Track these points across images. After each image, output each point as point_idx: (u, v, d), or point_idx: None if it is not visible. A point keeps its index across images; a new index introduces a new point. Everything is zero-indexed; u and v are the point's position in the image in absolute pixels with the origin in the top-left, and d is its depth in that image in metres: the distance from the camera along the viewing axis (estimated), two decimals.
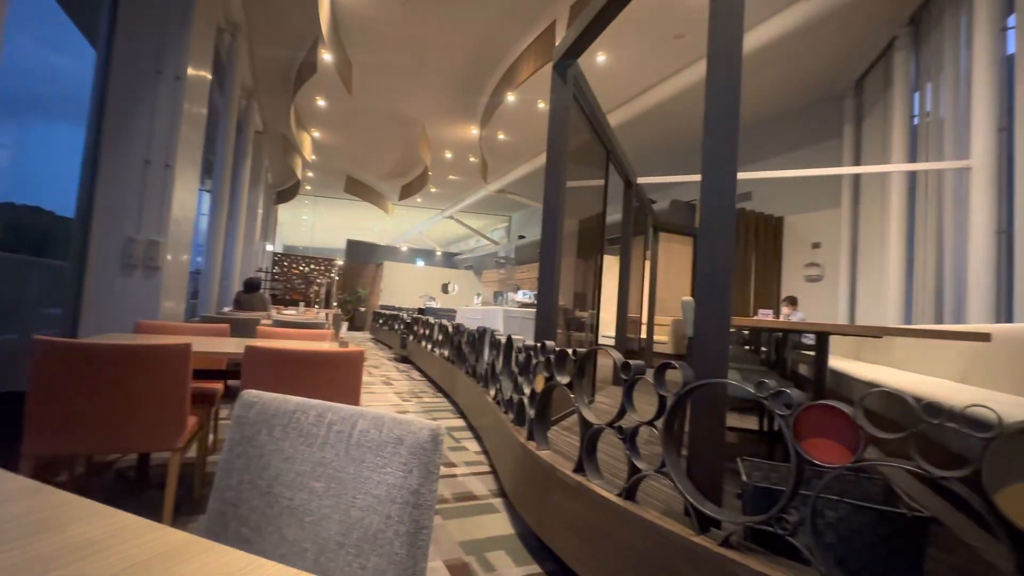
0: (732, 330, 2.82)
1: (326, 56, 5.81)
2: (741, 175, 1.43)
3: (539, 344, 2.11)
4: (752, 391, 1.12)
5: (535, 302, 2.59)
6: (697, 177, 1.45)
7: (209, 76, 3.67)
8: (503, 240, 16.98)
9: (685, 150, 8.79)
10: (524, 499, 2.02)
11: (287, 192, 12.99)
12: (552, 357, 1.92)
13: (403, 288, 15.75)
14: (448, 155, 10.37)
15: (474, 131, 8.83)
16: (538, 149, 9.41)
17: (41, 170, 3.43)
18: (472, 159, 10.42)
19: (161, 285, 3.06)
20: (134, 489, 2.18)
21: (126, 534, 0.51)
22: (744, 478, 1.28)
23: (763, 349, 3.51)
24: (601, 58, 6.17)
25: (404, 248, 21.90)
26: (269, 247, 14.96)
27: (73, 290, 2.86)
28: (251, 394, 0.85)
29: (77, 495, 0.58)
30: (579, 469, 1.63)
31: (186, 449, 1.78)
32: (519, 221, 16.22)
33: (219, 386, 2.39)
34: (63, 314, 2.87)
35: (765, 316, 4.55)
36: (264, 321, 3.92)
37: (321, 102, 7.95)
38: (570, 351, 1.85)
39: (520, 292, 9.89)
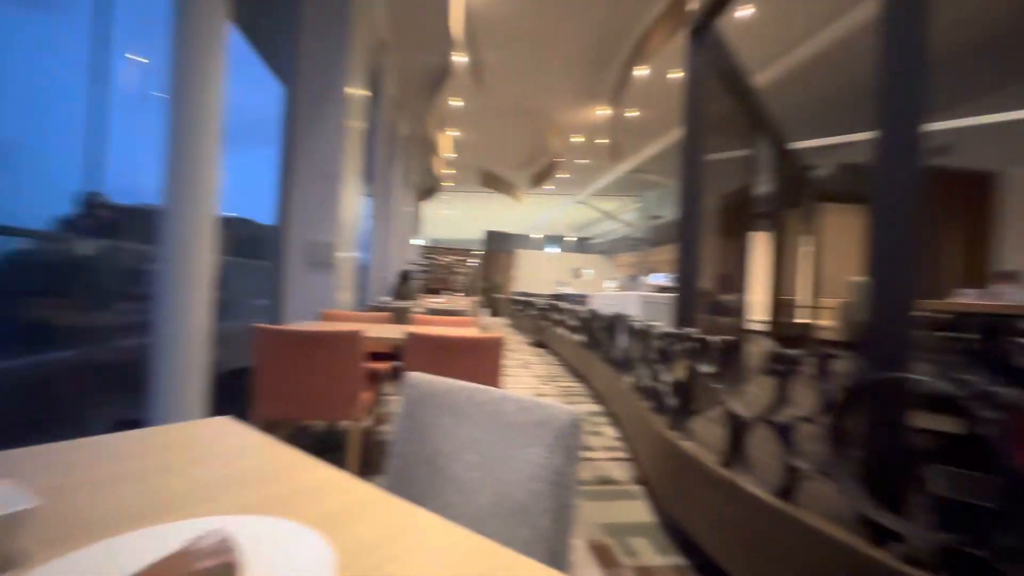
0: (924, 314, 2.36)
1: (460, 58, 6.17)
2: (934, 125, 1.19)
3: (678, 331, 2.03)
4: (947, 387, 0.95)
5: (673, 286, 2.48)
6: (871, 134, 1.24)
7: (367, 93, 4.17)
8: (637, 222, 16.37)
9: (855, 104, 7.48)
10: (666, 489, 1.97)
11: (431, 189, 14.15)
12: (693, 345, 1.83)
13: (537, 275, 16.14)
14: (577, 139, 10.30)
15: (603, 111, 8.62)
16: (673, 123, 8.83)
17: (248, 187, 4.25)
18: (601, 140, 10.19)
19: (336, 279, 3.60)
20: (325, 450, 2.63)
21: (330, 484, 0.64)
22: (935, 488, 1.09)
23: (968, 336, 2.88)
24: (746, 11, 5.53)
25: (537, 236, 22.38)
26: (417, 241, 16.52)
27: (275, 285, 3.52)
28: (414, 376, 0.98)
29: (299, 451, 0.74)
30: (727, 463, 1.54)
31: (363, 419, 2.10)
32: (653, 201, 15.46)
33: (385, 366, 2.75)
34: (270, 305, 3.56)
35: (967, 297, 3.72)
36: (417, 309, 4.37)
37: (457, 102, 8.46)
38: (713, 338, 1.74)
39: (656, 275, 9.47)
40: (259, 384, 1.94)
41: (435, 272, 17.55)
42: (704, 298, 2.54)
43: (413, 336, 2.04)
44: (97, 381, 2.72)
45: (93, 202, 1.69)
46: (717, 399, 1.67)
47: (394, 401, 3.47)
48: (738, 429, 1.51)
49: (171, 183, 1.72)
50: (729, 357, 1.65)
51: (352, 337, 1.96)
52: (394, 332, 2.39)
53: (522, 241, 20.54)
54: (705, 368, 1.74)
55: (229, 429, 0.84)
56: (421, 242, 18.44)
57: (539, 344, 7.85)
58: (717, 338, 1.73)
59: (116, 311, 3.00)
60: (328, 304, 3.53)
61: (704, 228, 2.42)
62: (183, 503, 0.56)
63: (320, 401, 1.98)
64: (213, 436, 0.81)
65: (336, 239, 3.58)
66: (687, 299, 2.30)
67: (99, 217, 1.72)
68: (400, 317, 3.44)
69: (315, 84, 3.56)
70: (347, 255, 3.82)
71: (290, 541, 0.45)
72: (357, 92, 3.83)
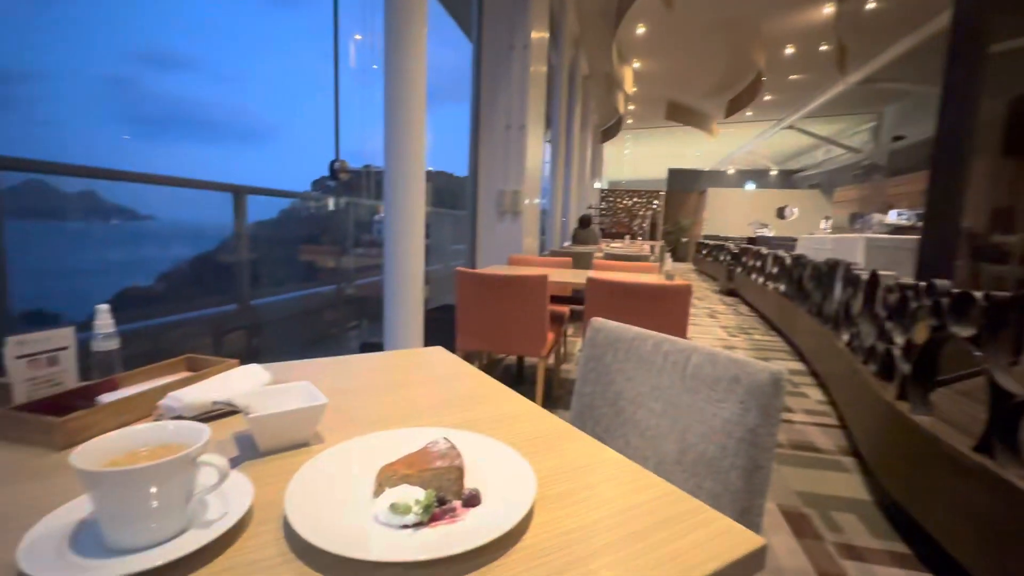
0: None
1: None
2: None
3: (923, 282, 1.63)
4: None
5: (917, 225, 1.97)
6: None
7: (547, 35, 4.13)
8: (867, 146, 13.24)
9: None
10: (888, 466, 1.68)
11: (610, 130, 13.62)
12: (945, 300, 1.45)
13: (729, 215, 14.55)
14: (789, 51, 8.60)
15: (827, 9, 6.96)
16: (935, 7, 6.66)
17: (445, 142, 4.69)
18: (823, 47, 8.32)
19: (522, 226, 3.81)
20: (514, 383, 2.92)
21: (525, 413, 0.71)
22: None
23: None
24: None
25: (730, 171, 19.95)
26: (596, 184, 16.28)
27: (470, 232, 3.90)
28: (598, 321, 1.00)
29: (496, 381, 0.84)
30: (983, 448, 1.23)
31: (547, 357, 2.25)
32: (894, 117, 12.22)
33: (566, 309, 2.87)
34: (467, 249, 3.98)
35: None
36: (597, 254, 4.38)
37: (640, 30, 7.79)
38: (979, 294, 1.35)
39: (892, 213, 7.65)
40: (460, 320, 2.23)
41: (616, 216, 17.19)
42: (970, 241, 1.97)
43: (593, 281, 2.06)
44: (348, 311, 3.47)
45: (336, 166, 2.09)
46: (976, 369, 1.31)
47: (575, 342, 3.62)
48: (1007, 409, 1.18)
49: (389, 145, 2.01)
50: (1002, 318, 1.27)
51: (539, 281, 2.08)
52: (575, 277, 2.45)
53: (713, 178, 18.57)
54: (962, 330, 1.38)
55: (443, 358, 0.99)
56: (601, 185, 18.12)
57: (729, 292, 7.20)
58: (984, 293, 1.34)
59: (355, 255, 3.71)
60: (515, 249, 3.79)
61: (977, 146, 1.84)
62: (415, 414, 0.69)
63: (511, 338, 2.19)
64: (431, 362, 0.97)
65: (522, 187, 3.76)
66: (940, 241, 1.82)
67: (340, 179, 2.12)
68: (580, 262, 3.50)
69: (499, 35, 3.66)
70: (532, 202, 3.99)
71: (500, 457, 0.53)
72: (538, 36, 3.82)
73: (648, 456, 0.88)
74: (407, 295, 1.96)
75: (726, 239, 9.29)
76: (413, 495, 0.42)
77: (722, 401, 0.77)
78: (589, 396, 1.00)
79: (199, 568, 0.36)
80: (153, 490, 0.37)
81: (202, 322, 2.77)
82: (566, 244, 6.89)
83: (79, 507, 0.40)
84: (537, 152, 4.03)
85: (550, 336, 2.27)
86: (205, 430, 0.42)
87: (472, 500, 0.44)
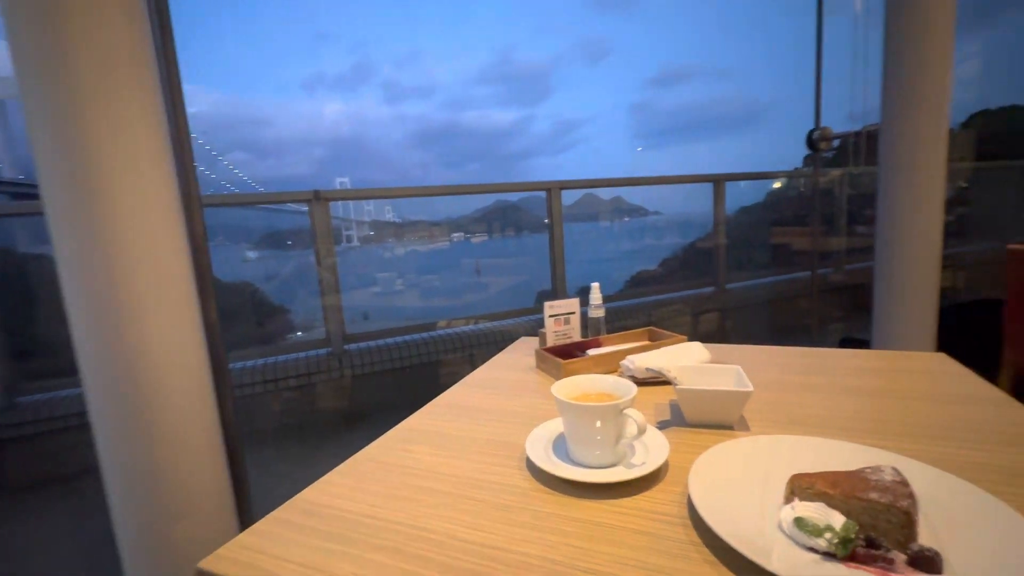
0: None
1: None
2: None
3: None
4: None
5: None
6: None
7: None
8: None
9: None
10: None
11: None
12: None
13: None
14: None
15: None
16: None
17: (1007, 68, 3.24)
18: None
19: None
20: None
21: None
22: None
23: None
24: None
25: None
26: None
27: None
28: None
29: None
30: None
31: None
32: None
33: None
34: None
35: None
36: None
37: None
38: None
39: None
40: (1014, 321, 1.51)
41: None
42: None
43: None
44: (829, 300, 3.04)
45: (814, 136, 1.83)
46: None
47: None
48: None
49: (887, 88, 1.58)
50: None
51: None
52: None
53: None
54: None
55: (944, 368, 0.73)
56: None
57: None
58: None
59: (849, 235, 3.19)
60: None
61: None
62: (874, 429, 0.55)
63: None
64: (923, 372, 0.73)
65: None
66: None
67: (819, 149, 1.84)
68: None
69: None
70: None
71: (1002, 527, 0.35)
72: None
73: None
74: (908, 284, 1.51)
75: None
76: (828, 519, 0.35)
77: None
78: None
79: (622, 497, 0.45)
80: (594, 423, 0.47)
81: (683, 301, 3.13)
82: None
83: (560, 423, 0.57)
84: None
85: None
86: (633, 388, 0.49)
87: (925, 562, 0.32)
